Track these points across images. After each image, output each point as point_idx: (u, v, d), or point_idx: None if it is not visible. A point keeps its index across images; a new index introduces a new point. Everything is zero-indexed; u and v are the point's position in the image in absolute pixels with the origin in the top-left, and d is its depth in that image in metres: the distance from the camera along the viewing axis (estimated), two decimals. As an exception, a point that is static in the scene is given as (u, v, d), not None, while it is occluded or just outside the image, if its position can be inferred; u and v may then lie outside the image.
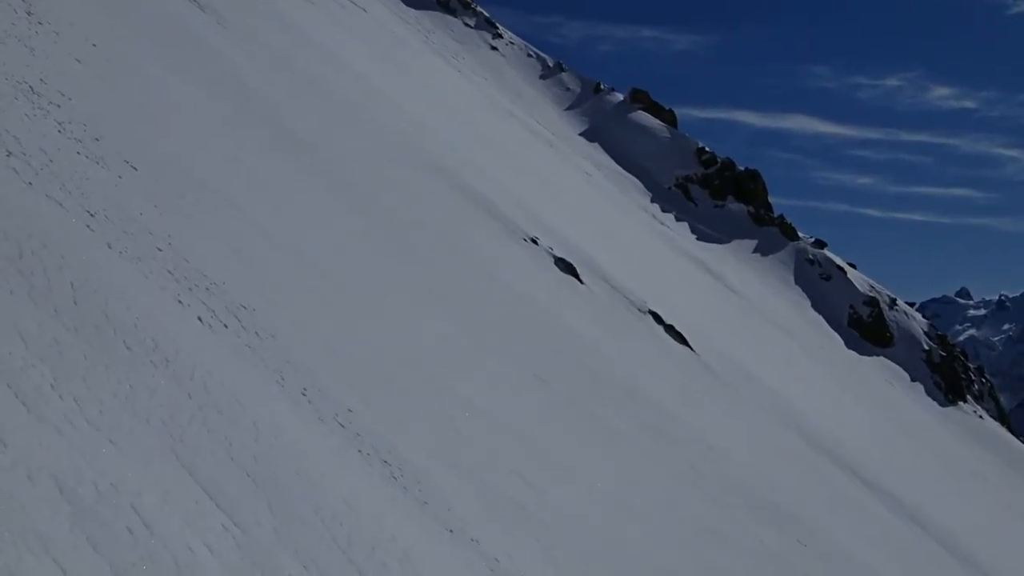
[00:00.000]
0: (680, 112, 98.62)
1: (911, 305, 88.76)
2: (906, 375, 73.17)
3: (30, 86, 14.80)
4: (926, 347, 77.12)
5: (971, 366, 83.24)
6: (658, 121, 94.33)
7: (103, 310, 9.21)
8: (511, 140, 59.80)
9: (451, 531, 11.12)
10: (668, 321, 37.33)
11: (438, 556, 10.24)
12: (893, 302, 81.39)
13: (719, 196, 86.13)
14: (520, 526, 12.99)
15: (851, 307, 77.44)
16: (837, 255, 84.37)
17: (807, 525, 24.10)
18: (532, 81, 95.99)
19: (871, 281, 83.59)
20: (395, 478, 11.43)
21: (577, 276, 33.98)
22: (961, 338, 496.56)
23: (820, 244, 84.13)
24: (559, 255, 34.50)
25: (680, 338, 36.79)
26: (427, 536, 10.56)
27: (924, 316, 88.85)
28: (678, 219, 79.13)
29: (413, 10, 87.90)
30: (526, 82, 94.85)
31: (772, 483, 26.14)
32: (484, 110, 63.35)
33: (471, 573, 10.47)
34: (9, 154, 11.85)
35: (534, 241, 34.22)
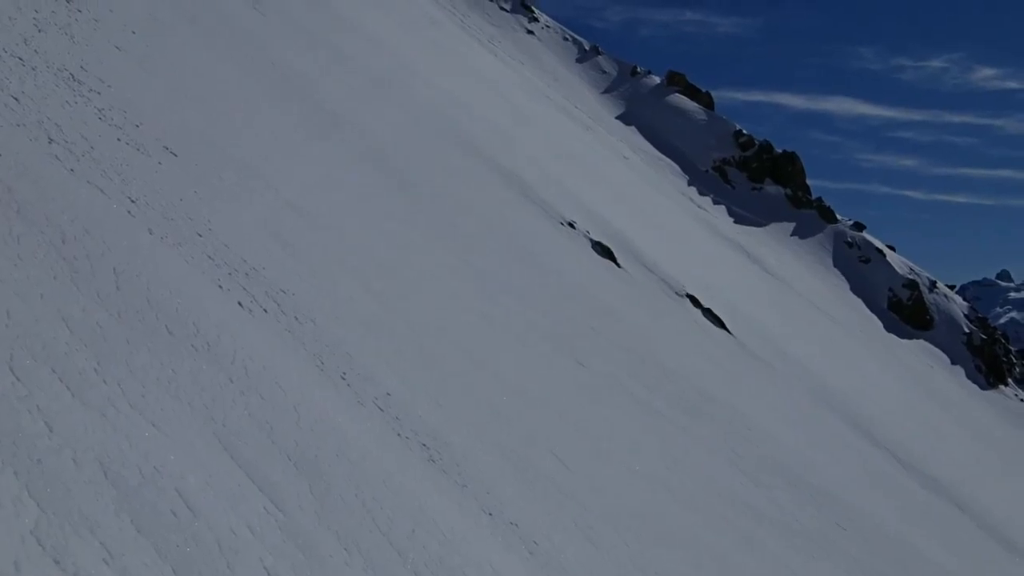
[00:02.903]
0: (721, 95, 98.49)
1: (951, 288, 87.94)
2: (946, 358, 72.59)
3: (71, 74, 14.92)
4: (967, 330, 76.48)
5: (1012, 349, 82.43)
6: (695, 104, 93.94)
7: (145, 295, 9.30)
8: (548, 123, 59.69)
9: (490, 513, 11.15)
10: (706, 304, 37.22)
11: (477, 538, 10.28)
12: (933, 285, 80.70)
13: (757, 179, 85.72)
14: (559, 508, 13.00)
15: (890, 290, 76.89)
16: (877, 238, 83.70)
17: (847, 505, 24.01)
18: (568, 64, 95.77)
19: (911, 263, 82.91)
20: (434, 461, 11.47)
21: (614, 259, 33.92)
22: (1002, 321, 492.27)
23: (859, 226, 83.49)
24: (596, 238, 34.45)
25: (718, 321, 36.67)
26: (466, 518, 10.60)
27: (964, 299, 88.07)
28: (715, 202, 78.79)
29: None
30: (562, 65, 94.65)
31: (811, 463, 26.05)
32: (521, 93, 63.25)
33: (510, 555, 10.50)
34: (51, 141, 11.97)
35: (571, 225, 34.18)
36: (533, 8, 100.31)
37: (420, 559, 8.44)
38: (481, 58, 66.18)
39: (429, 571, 8.36)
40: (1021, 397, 71.12)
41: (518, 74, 72.04)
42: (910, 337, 73.08)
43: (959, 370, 71.52)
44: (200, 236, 12.71)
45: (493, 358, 17.56)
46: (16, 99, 12.32)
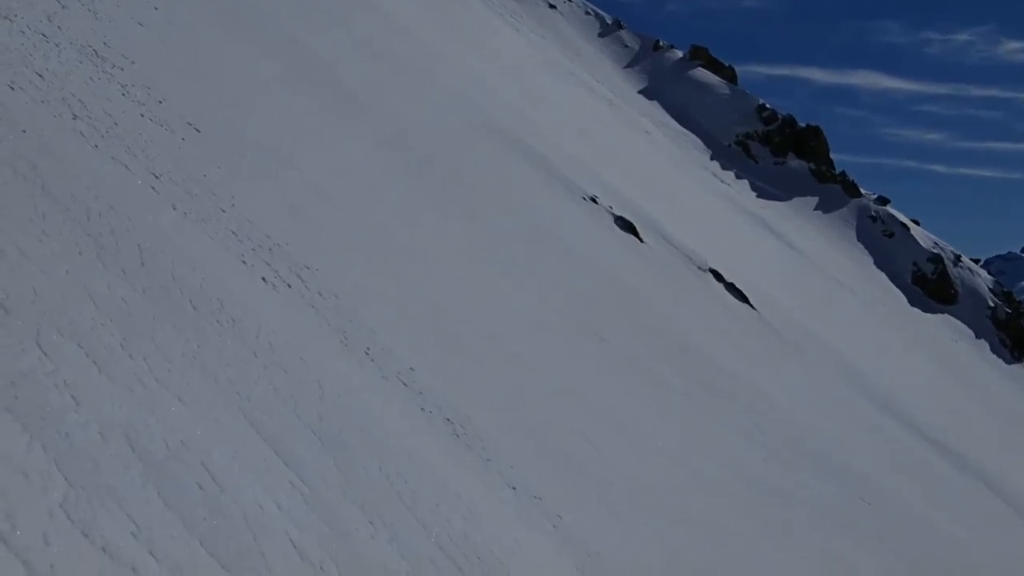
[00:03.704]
0: (745, 69, 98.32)
1: (976, 262, 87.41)
2: (971, 332, 72.23)
3: (94, 50, 14.95)
4: (991, 304, 76.07)
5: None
6: (718, 78, 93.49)
7: (170, 271, 9.34)
8: (570, 98, 59.51)
9: (514, 488, 11.18)
10: (729, 279, 37.12)
11: (501, 513, 10.31)
12: (957, 259, 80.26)
13: (780, 153, 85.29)
14: (582, 484, 13.03)
15: (914, 264, 76.52)
16: (901, 212, 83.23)
17: (871, 482, 23.97)
18: (591, 39, 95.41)
19: (935, 238, 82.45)
20: (458, 436, 11.50)
21: (637, 234, 33.85)
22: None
23: (883, 201, 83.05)
24: (619, 214, 34.38)
25: (741, 296, 36.57)
26: (490, 493, 10.63)
27: (989, 273, 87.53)
28: (738, 177, 78.48)
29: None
30: (585, 40, 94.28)
31: (834, 441, 26.01)
32: (543, 68, 63.03)
33: (534, 530, 10.53)
34: (75, 117, 12.00)
35: (593, 200, 34.11)
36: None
37: (444, 533, 8.48)
38: (503, 33, 65.95)
39: (454, 545, 8.39)
40: (1046, 372, 70.67)
41: (540, 50, 71.76)
42: (934, 311, 72.74)
43: (983, 344, 71.16)
44: (224, 212, 12.75)
45: (515, 333, 17.57)
46: (40, 76, 12.35)
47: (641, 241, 33.61)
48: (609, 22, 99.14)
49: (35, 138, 10.31)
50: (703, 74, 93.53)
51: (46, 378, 6.23)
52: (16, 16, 13.77)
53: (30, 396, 5.92)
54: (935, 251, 78.11)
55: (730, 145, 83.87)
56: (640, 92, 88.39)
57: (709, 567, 13.48)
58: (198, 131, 15.21)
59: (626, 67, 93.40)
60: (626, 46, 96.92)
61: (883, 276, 73.82)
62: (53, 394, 6.12)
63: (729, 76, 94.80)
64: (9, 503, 4.97)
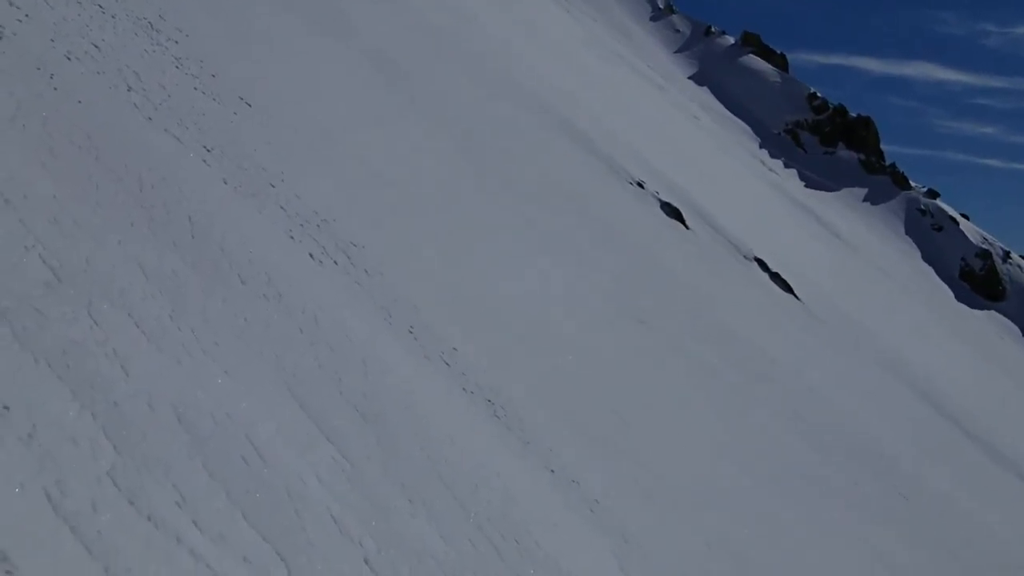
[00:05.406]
0: (798, 57, 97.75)
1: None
2: (1018, 330, 71.50)
3: (149, 22, 15.06)
4: (1040, 302, 75.19)
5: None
6: (769, 65, 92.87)
7: (219, 244, 9.41)
8: (619, 82, 59.28)
9: (552, 471, 11.22)
10: (774, 268, 36.94)
11: (539, 495, 10.35)
12: (1007, 255, 79.38)
13: (830, 143, 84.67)
14: (620, 467, 13.05)
15: (963, 259, 75.81)
16: (951, 206, 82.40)
17: (909, 474, 23.84)
18: (642, 23, 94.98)
19: (984, 233, 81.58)
20: (498, 417, 11.55)
21: (683, 221, 33.73)
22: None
23: (932, 194, 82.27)
24: (665, 199, 34.26)
25: (785, 286, 36.39)
26: (528, 475, 10.67)
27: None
28: (787, 165, 78.03)
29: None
30: (636, 23, 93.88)
31: (874, 430, 25.87)
32: (592, 51, 62.82)
33: (571, 512, 10.56)
34: (129, 89, 12.11)
35: (640, 185, 34.01)
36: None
37: (484, 514, 8.52)
38: (553, 15, 65.75)
39: (491, 526, 8.44)
40: (1093, 372, 69.83)
41: (591, 32, 71.52)
42: (981, 307, 72.07)
43: (1031, 343, 70.43)
44: (273, 187, 12.83)
45: (557, 315, 17.59)
46: (96, 47, 12.46)
47: (687, 227, 33.49)
48: (661, 6, 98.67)
49: (90, 109, 10.41)
50: (754, 61, 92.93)
51: (97, 347, 6.30)
52: (74, -13, 13.89)
53: (81, 365, 6.00)
54: (984, 246, 77.34)
55: (779, 133, 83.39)
56: (690, 78, 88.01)
57: (749, 552, 13.47)
58: (249, 105, 15.31)
59: (676, 52, 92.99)
60: (677, 31, 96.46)
61: (930, 270, 73.24)
62: (103, 363, 6.20)
63: (780, 63, 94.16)
64: (59, 469, 5.05)
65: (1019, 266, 79.62)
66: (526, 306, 16.86)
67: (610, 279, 22.39)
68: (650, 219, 31.65)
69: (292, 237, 11.78)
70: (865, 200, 78.15)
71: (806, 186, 74.52)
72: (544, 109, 35.23)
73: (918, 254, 74.28)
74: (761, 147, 78.61)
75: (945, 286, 72.20)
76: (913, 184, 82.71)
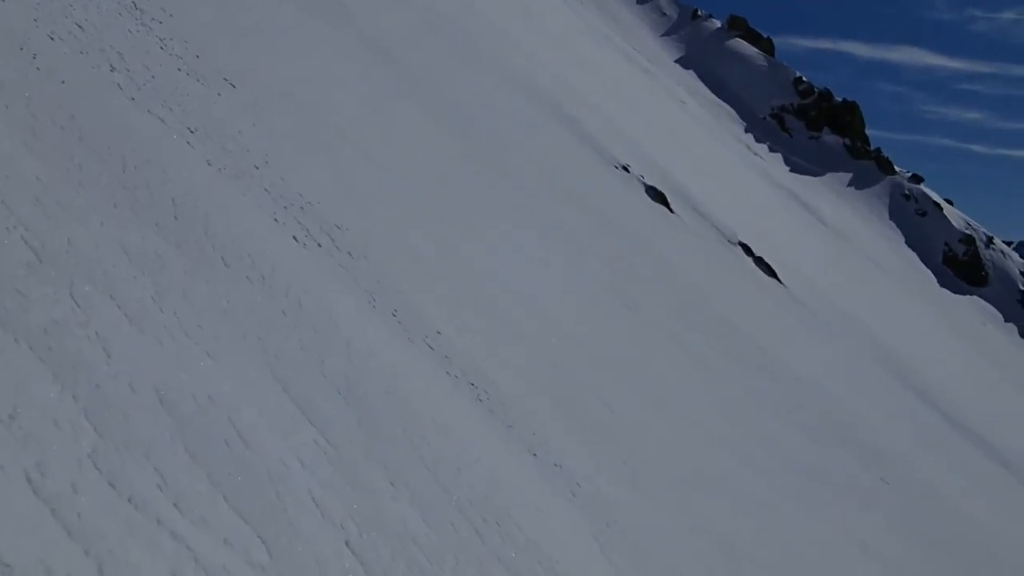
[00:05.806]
0: (785, 41, 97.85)
1: (1008, 244, 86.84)
2: (1000, 315, 71.86)
3: (133, 2, 14.98)
4: (1022, 287, 75.55)
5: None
6: (755, 49, 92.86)
7: (203, 226, 9.39)
8: (607, 66, 59.20)
9: (535, 454, 11.24)
10: (758, 253, 37.02)
11: (522, 478, 10.38)
12: (990, 240, 79.73)
13: (815, 127, 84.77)
14: (605, 451, 13.08)
15: (946, 244, 76.11)
16: (936, 191, 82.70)
17: (898, 463, 23.96)
18: (629, 5, 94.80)
19: (968, 218, 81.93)
20: (482, 400, 11.56)
21: (667, 205, 33.77)
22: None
23: (917, 179, 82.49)
24: (650, 183, 34.29)
25: (769, 270, 36.48)
26: (512, 458, 10.69)
27: (1022, 256, 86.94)
28: (772, 150, 78.13)
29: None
30: (622, 6, 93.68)
31: (861, 416, 25.99)
32: (580, 35, 62.69)
33: (555, 497, 10.59)
34: (113, 69, 12.05)
35: (625, 169, 34.02)
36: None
37: (465, 497, 8.54)
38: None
39: (474, 509, 8.46)
40: (1074, 358, 70.20)
41: (579, 15, 71.37)
42: (964, 293, 72.40)
43: (1012, 328, 70.83)
44: (257, 169, 12.79)
45: (544, 299, 17.59)
46: (80, 27, 12.40)
47: (671, 212, 33.53)
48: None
49: (73, 90, 10.37)
50: (741, 45, 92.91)
51: (79, 329, 6.29)
52: (57, -35, 13.80)
53: (63, 346, 5.99)
54: (968, 232, 77.67)
55: (765, 118, 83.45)
56: (676, 61, 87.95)
57: (732, 536, 13.52)
58: (234, 87, 15.25)
59: (663, 35, 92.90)
60: (664, 14, 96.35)
61: (914, 255, 73.52)
62: (85, 345, 6.19)
63: (767, 48, 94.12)
64: (40, 451, 5.05)
65: (1002, 252, 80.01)
66: (514, 289, 16.86)
67: (600, 265, 22.43)
68: (637, 204, 31.66)
69: (276, 219, 11.76)
70: (850, 185, 78.32)
71: (791, 170, 74.67)
72: (536, 92, 35.20)
73: (902, 239, 74.50)
74: (747, 131, 78.68)
75: (928, 271, 72.48)
76: (898, 169, 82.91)
